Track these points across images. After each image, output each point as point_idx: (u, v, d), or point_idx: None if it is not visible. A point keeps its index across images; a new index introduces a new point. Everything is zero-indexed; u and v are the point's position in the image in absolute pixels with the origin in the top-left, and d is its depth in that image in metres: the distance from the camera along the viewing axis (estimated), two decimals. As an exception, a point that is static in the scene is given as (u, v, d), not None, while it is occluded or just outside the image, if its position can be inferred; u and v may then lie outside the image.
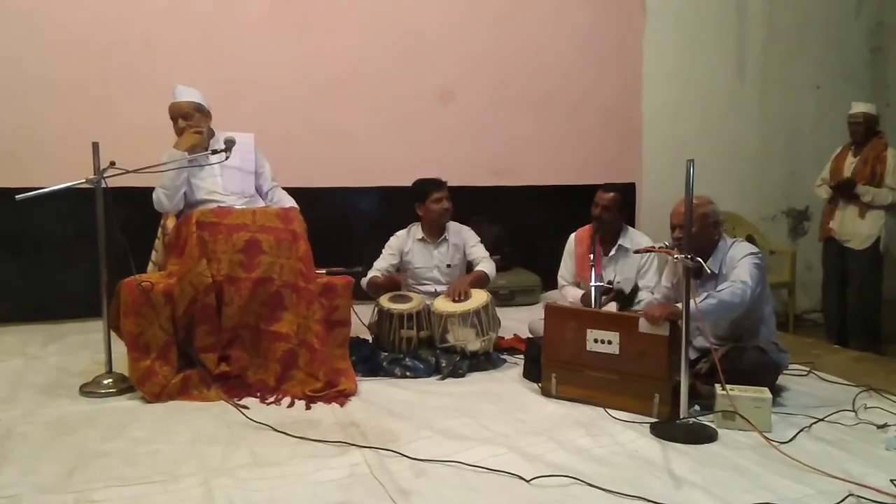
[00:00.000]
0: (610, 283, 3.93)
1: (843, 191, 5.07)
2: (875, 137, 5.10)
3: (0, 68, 4.69)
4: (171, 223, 3.81)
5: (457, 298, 3.94)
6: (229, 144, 3.62)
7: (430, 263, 4.37)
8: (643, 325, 3.13)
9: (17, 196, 3.24)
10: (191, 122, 3.81)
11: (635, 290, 3.93)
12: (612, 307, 3.83)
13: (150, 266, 3.92)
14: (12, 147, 4.72)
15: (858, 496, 2.37)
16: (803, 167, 6.24)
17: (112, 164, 3.42)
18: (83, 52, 4.83)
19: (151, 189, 3.85)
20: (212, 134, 3.90)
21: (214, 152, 3.66)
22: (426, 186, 4.31)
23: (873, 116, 5.13)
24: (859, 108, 5.16)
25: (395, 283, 4.20)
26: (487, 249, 4.43)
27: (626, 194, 4.14)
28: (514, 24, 5.85)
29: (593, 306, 3.73)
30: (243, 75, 5.13)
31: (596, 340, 3.27)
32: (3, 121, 4.72)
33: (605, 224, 4.04)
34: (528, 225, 5.78)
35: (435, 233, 4.37)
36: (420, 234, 4.38)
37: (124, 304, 3.40)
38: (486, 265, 4.27)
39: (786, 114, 6.61)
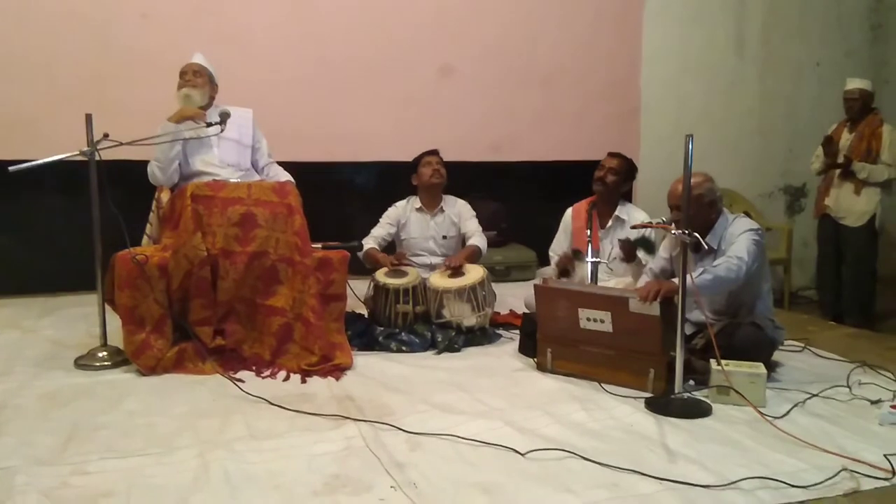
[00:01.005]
0: (626, 241, 3.84)
1: (837, 161, 5.04)
2: (870, 114, 5.08)
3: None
4: (165, 196, 3.80)
5: (451, 270, 3.95)
6: (224, 117, 3.61)
7: (427, 234, 4.37)
8: (634, 305, 3.12)
9: (9, 168, 3.22)
10: (199, 78, 3.86)
11: (651, 243, 3.83)
12: (614, 280, 3.82)
13: (145, 239, 3.91)
14: (6, 120, 4.67)
15: (852, 471, 2.38)
16: (801, 144, 6.21)
17: (105, 135, 3.39)
18: (79, 24, 4.77)
19: (146, 162, 3.83)
20: (210, 105, 3.88)
21: (209, 125, 3.64)
22: (419, 155, 4.38)
23: (869, 93, 5.10)
24: (855, 84, 5.13)
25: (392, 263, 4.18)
26: (484, 225, 4.44)
27: (630, 164, 4.10)
28: (515, 2, 5.78)
29: (589, 281, 3.72)
30: (241, 50, 5.07)
31: (588, 319, 3.26)
32: (-3, 93, 4.67)
33: (608, 189, 3.99)
34: (525, 201, 5.76)
35: (431, 202, 4.37)
36: (418, 205, 4.39)
37: (119, 277, 3.39)
38: (478, 239, 4.28)
39: (785, 90, 6.57)
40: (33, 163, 3.25)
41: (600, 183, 4.01)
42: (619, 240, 3.83)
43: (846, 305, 5.17)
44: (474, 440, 2.61)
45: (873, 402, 3.00)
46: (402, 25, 5.51)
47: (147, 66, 4.67)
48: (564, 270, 3.94)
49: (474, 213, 4.44)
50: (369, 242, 4.25)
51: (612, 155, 4.07)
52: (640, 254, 3.77)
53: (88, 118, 3.44)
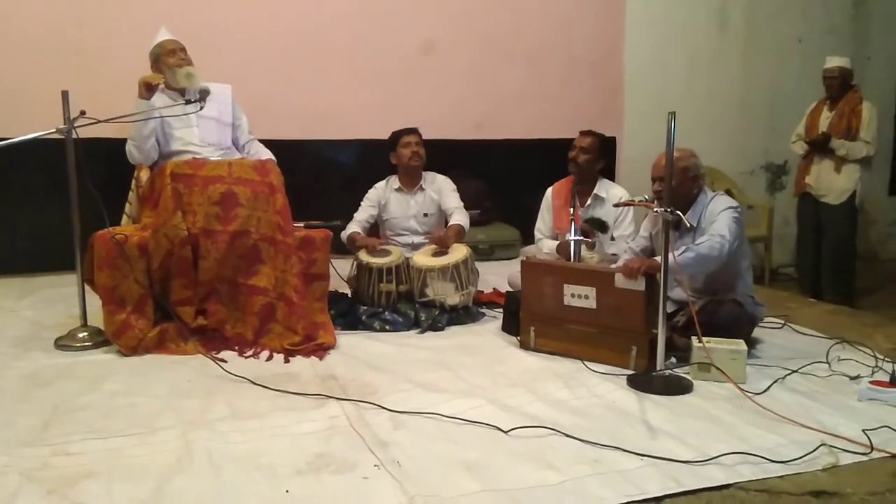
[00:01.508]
0: (584, 221, 3.92)
1: (819, 146, 5.08)
2: (850, 91, 5.10)
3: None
4: (144, 175, 3.75)
5: (436, 249, 3.94)
6: (203, 94, 3.57)
7: (408, 213, 4.35)
8: (619, 281, 3.14)
9: (-16, 147, 3.16)
10: (183, 56, 3.79)
11: (601, 223, 3.94)
12: (587, 253, 3.86)
13: (125, 218, 3.87)
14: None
15: (831, 446, 2.41)
16: (783, 122, 6.22)
17: (82, 113, 3.32)
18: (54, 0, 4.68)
19: (125, 140, 3.79)
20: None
21: (188, 102, 3.59)
22: (397, 132, 4.32)
23: (848, 70, 5.12)
24: (834, 62, 5.15)
25: (373, 245, 4.16)
26: (467, 204, 4.41)
27: (604, 141, 4.11)
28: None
29: (572, 259, 3.74)
30: (221, 26, 5.00)
31: (573, 295, 3.27)
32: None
33: (581, 169, 4.01)
34: (508, 179, 5.75)
35: (411, 181, 4.34)
36: (397, 185, 4.35)
37: (98, 256, 3.35)
38: (460, 216, 4.23)
39: (768, 68, 6.57)
40: (8, 141, 3.20)
41: (573, 163, 4.03)
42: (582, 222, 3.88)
43: (826, 282, 5.22)
44: (458, 418, 2.61)
45: (852, 378, 3.04)
46: (386, 3, 5.45)
47: (125, 41, 4.58)
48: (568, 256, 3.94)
49: (455, 188, 4.39)
50: (353, 227, 4.21)
51: (583, 134, 4.07)
52: (596, 233, 3.83)
53: (65, 95, 3.39)
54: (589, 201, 4.07)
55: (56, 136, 3.33)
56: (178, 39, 3.83)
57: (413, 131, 4.31)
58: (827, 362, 3.23)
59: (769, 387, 2.93)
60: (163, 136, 3.79)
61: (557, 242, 4.03)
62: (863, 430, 2.50)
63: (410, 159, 4.24)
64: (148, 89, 3.67)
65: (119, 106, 3.56)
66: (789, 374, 3.07)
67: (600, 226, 3.94)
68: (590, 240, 3.91)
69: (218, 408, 2.72)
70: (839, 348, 3.42)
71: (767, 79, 6.59)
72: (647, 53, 6.19)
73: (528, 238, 4.55)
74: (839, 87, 5.09)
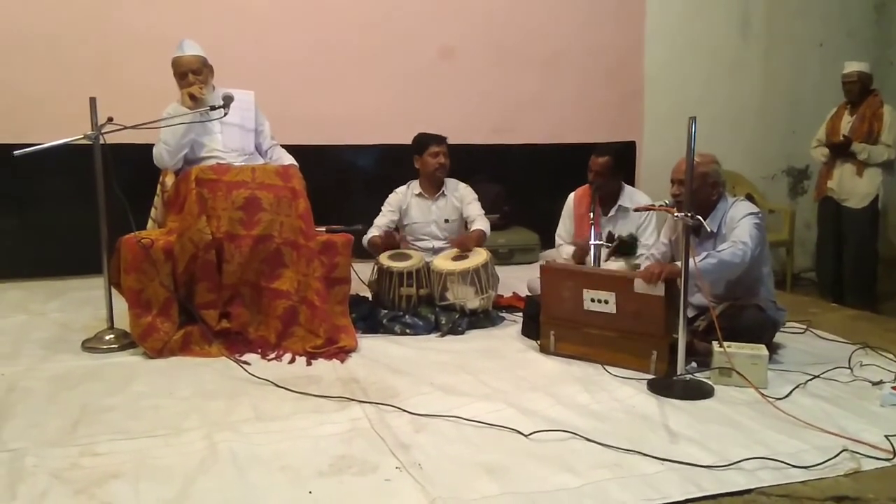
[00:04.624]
0: (611, 235, 3.91)
1: (840, 149, 5.05)
2: (870, 95, 5.07)
3: (-4, 23, 4.64)
4: (170, 180, 3.80)
5: (462, 252, 3.97)
6: (227, 101, 3.60)
7: (429, 218, 4.37)
8: (639, 286, 3.14)
9: (14, 152, 3.23)
10: (200, 77, 3.79)
11: (634, 238, 3.90)
12: (613, 263, 3.85)
13: (150, 223, 3.92)
14: (10, 104, 4.68)
15: (853, 451, 2.40)
16: (804, 126, 6.18)
17: (110, 119, 3.40)
18: (81, 6, 4.76)
19: (150, 145, 3.83)
20: (212, 89, 3.87)
21: (213, 108, 3.64)
22: (426, 139, 4.32)
23: (867, 75, 5.09)
24: (853, 67, 5.12)
25: (392, 241, 4.20)
26: (487, 208, 4.44)
27: (620, 156, 4.10)
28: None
29: (593, 264, 3.74)
30: (244, 32, 5.07)
31: (593, 300, 3.28)
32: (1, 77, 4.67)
33: (600, 188, 4.03)
34: (527, 183, 5.77)
35: (432, 188, 4.37)
36: (418, 190, 4.38)
37: (125, 260, 3.41)
38: (482, 223, 4.27)
39: (788, 72, 6.54)
40: (38, 147, 3.26)
41: (593, 184, 4.02)
42: (614, 237, 3.87)
43: (848, 287, 5.18)
44: (478, 421, 2.64)
45: (874, 384, 3.02)
46: (404, 7, 5.49)
47: (151, 48, 4.64)
48: (582, 262, 3.94)
49: (476, 197, 4.42)
50: (374, 232, 4.25)
51: (597, 154, 4.02)
52: (621, 256, 3.85)
53: (92, 102, 3.45)
54: (612, 212, 4.07)
55: (84, 141, 3.39)
56: (199, 49, 3.84)
57: (442, 141, 4.30)
58: (849, 367, 3.22)
59: (790, 392, 2.92)
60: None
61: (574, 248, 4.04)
62: (885, 436, 2.50)
63: (437, 170, 4.27)
64: (192, 99, 3.72)
65: (143, 112, 3.60)
66: (811, 380, 3.06)
67: (630, 248, 3.87)
68: (609, 244, 3.88)
69: (242, 410, 2.77)
70: (861, 353, 3.41)
71: (788, 83, 6.56)
72: (666, 58, 6.18)
73: (548, 242, 4.57)
74: (859, 91, 5.06)
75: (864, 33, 6.72)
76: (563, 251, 4.16)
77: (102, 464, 2.31)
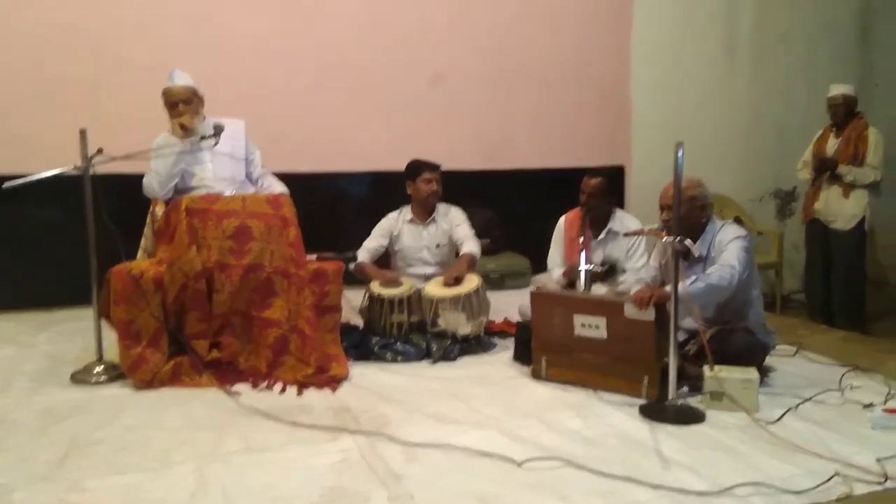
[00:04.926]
0: (605, 262, 3.95)
1: (825, 168, 5.09)
2: (855, 118, 5.12)
3: (-16, 54, 4.66)
4: (160, 210, 3.80)
5: (452, 283, 3.96)
6: (218, 130, 3.63)
7: (420, 244, 4.38)
8: (629, 311, 3.15)
9: (3, 185, 3.23)
10: (190, 107, 3.80)
11: (615, 265, 3.96)
12: (599, 288, 3.87)
13: (140, 253, 3.91)
14: (-1, 134, 4.68)
15: (845, 475, 2.40)
16: (791, 148, 6.22)
17: (99, 151, 3.40)
18: (71, 38, 4.78)
19: (140, 175, 3.84)
20: (202, 119, 3.89)
21: (203, 138, 3.65)
22: (420, 166, 4.34)
23: (852, 97, 5.14)
24: (838, 89, 5.17)
25: (383, 272, 4.19)
26: (478, 233, 4.44)
27: (612, 179, 4.15)
28: (506, 10, 5.83)
29: (583, 289, 3.76)
30: (234, 61, 5.09)
31: (583, 325, 3.29)
32: (-10, 107, 4.68)
33: (593, 209, 4.06)
34: (518, 208, 5.79)
35: (424, 213, 4.38)
36: (410, 216, 4.39)
37: (114, 291, 3.40)
38: (471, 245, 4.27)
39: (775, 95, 6.62)
40: (27, 179, 3.27)
41: (585, 206, 4.06)
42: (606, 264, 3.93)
43: (837, 308, 5.20)
44: (471, 450, 2.62)
45: (865, 406, 3.03)
46: (396, 37, 5.54)
47: (141, 78, 4.66)
48: (571, 282, 3.96)
49: (466, 218, 4.43)
50: (362, 255, 4.26)
51: (590, 176, 4.09)
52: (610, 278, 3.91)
53: (83, 133, 3.45)
54: (602, 235, 4.10)
55: (74, 172, 3.40)
56: (189, 79, 3.86)
57: (436, 168, 4.33)
58: (840, 390, 3.23)
59: (782, 416, 2.92)
60: (178, 171, 3.85)
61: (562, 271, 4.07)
62: (877, 459, 2.51)
63: (429, 196, 4.30)
64: (182, 129, 3.74)
65: (133, 142, 3.62)
66: (802, 403, 3.06)
67: (613, 270, 3.96)
68: (599, 269, 3.92)
69: (232, 441, 2.75)
70: (852, 375, 3.41)
71: (775, 106, 6.63)
72: (654, 83, 6.25)
73: (539, 267, 4.57)
74: (844, 114, 5.12)
75: (850, 56, 6.81)
76: (555, 275, 4.18)
77: (91, 500, 2.29)
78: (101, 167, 3.46)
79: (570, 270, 3.97)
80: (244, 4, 5.17)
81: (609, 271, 3.92)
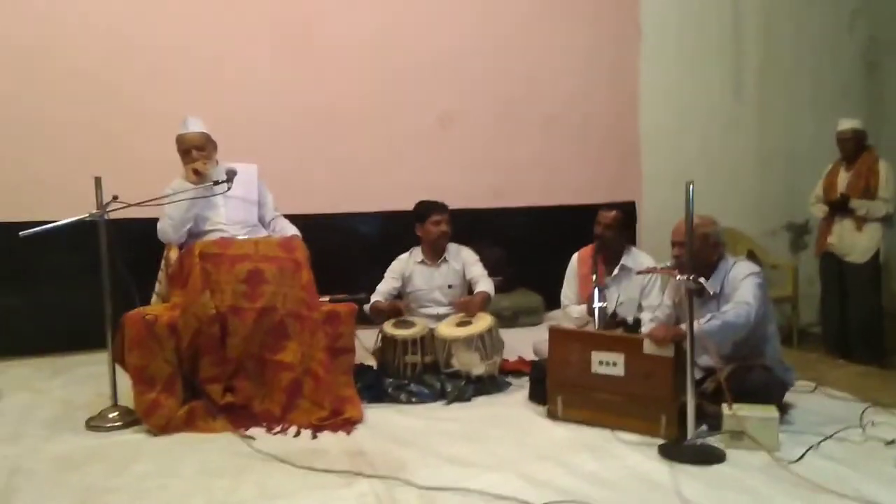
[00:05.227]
0: (614, 315, 3.92)
1: (838, 207, 5.08)
2: (865, 152, 5.13)
3: (1, 102, 4.72)
4: (173, 255, 3.82)
5: (462, 317, 3.95)
6: (231, 175, 3.65)
7: (432, 285, 4.38)
8: (648, 347, 3.13)
9: (20, 233, 3.26)
10: (204, 152, 3.85)
11: (638, 322, 3.92)
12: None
13: (154, 298, 3.92)
14: (15, 181, 4.74)
15: (869, 516, 2.37)
16: (802, 181, 6.21)
17: (115, 198, 3.43)
18: (86, 86, 4.86)
19: (154, 220, 3.87)
20: (216, 164, 3.93)
21: (216, 183, 3.69)
22: (428, 207, 4.36)
23: (862, 132, 5.15)
24: (847, 124, 5.18)
25: (397, 309, 4.20)
26: (490, 271, 4.45)
27: (627, 213, 4.15)
28: (513, 48, 5.91)
29: (596, 327, 3.74)
30: (245, 106, 5.16)
31: (601, 362, 3.27)
32: (5, 155, 4.74)
33: (608, 242, 4.06)
34: (529, 245, 5.80)
35: (434, 254, 4.39)
36: (420, 257, 4.40)
37: (129, 337, 3.40)
38: (485, 284, 4.28)
39: (783, 129, 6.64)
40: (43, 227, 3.29)
41: (600, 239, 4.06)
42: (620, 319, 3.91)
43: (854, 342, 5.15)
44: (487, 493, 2.59)
45: (888, 444, 2.99)
46: (405, 78, 5.61)
47: (154, 124, 4.73)
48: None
49: (478, 258, 4.45)
50: (376, 298, 4.26)
51: (607, 208, 4.10)
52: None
53: (98, 181, 3.49)
54: (616, 271, 4.09)
55: (89, 219, 3.43)
56: (203, 125, 3.92)
57: (444, 209, 4.35)
58: (861, 427, 3.18)
59: (804, 454, 2.88)
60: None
61: (585, 306, 4.04)
62: (902, 499, 2.46)
63: (439, 238, 4.32)
64: (196, 174, 3.78)
65: (147, 187, 3.66)
66: (823, 441, 3.02)
67: (638, 324, 3.90)
68: (628, 320, 3.90)
69: (247, 487, 2.73)
70: (872, 411, 3.36)
71: (783, 140, 6.65)
72: (662, 119, 6.29)
73: (552, 303, 4.56)
74: (854, 148, 5.12)
75: (857, 91, 6.84)
76: (572, 311, 4.15)
77: (106, 549, 2.28)
78: (115, 214, 3.48)
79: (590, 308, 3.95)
80: (256, 51, 5.25)
81: (636, 324, 3.88)
